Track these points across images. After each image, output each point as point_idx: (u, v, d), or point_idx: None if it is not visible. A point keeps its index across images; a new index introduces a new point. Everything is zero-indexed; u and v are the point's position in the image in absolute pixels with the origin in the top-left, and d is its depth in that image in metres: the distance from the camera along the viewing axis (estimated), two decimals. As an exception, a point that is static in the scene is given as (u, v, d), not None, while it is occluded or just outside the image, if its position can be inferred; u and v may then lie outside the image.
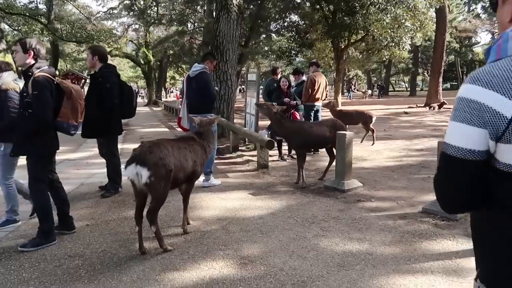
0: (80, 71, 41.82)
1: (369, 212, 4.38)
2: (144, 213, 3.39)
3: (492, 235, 0.93)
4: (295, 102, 7.37)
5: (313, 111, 8.06)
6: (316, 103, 8.00)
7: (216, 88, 5.84)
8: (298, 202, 4.76)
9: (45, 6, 21.33)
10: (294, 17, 24.62)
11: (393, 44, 21.31)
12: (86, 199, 5.09)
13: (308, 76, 8.05)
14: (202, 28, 25.58)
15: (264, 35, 25.29)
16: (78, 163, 7.62)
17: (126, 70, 61.63)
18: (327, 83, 8.28)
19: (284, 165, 7.12)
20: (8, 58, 33.54)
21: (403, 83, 74.95)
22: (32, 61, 3.51)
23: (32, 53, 3.51)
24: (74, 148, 9.56)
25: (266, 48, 27.00)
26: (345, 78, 41.54)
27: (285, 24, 23.60)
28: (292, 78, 9.35)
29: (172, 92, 60.74)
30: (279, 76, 8.33)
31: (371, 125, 9.20)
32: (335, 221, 4.08)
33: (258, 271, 3.00)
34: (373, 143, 9.09)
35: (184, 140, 3.81)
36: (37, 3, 22.87)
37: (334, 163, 5.75)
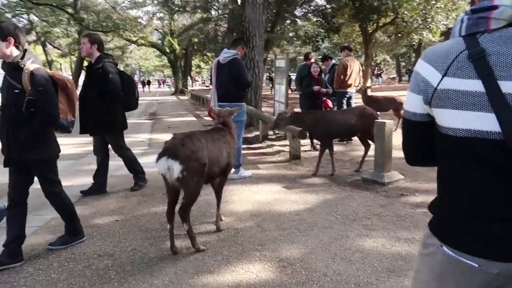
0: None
1: (414, 207, 4.04)
2: (176, 209, 3.20)
3: (439, 177, 1.16)
4: (325, 90, 6.99)
5: (346, 98, 7.68)
6: (349, 90, 7.61)
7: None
8: (336, 196, 4.47)
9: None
10: (321, 1, 23.91)
11: (424, 26, 20.36)
12: (115, 192, 4.97)
13: (340, 61, 7.65)
14: (226, 15, 25.22)
15: (289, 20, 24.67)
16: (107, 154, 7.54)
17: (152, 59, 62.17)
18: (360, 68, 7.85)
19: (317, 155, 6.77)
20: (39, 50, 34.35)
21: (433, 67, 72.40)
22: (15, 51, 2.96)
23: (12, 40, 2.92)
24: (103, 138, 9.54)
25: (291, 35, 26.39)
26: (372, 63, 40.43)
27: (311, 8, 22.92)
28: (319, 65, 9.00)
29: (197, 80, 60.99)
30: (311, 61, 7.95)
31: (402, 112, 8.71)
32: (379, 218, 3.77)
33: (299, 276, 2.75)
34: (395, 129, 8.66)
35: (217, 131, 3.61)
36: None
37: (369, 153, 5.46)
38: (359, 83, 7.94)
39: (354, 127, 5.44)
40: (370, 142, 5.53)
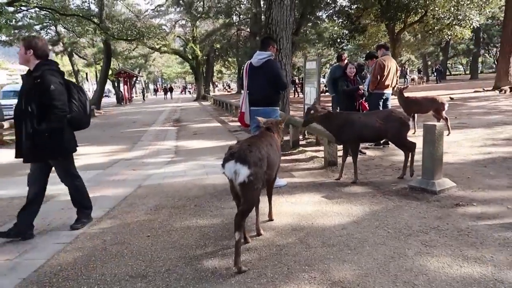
0: (131, 69, 43.11)
1: (475, 220, 3.60)
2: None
3: None
4: (361, 91, 6.60)
5: (382, 100, 7.24)
6: (386, 91, 7.17)
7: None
8: (383, 207, 4.07)
9: (96, 7, 21.77)
10: (345, 2, 23.43)
11: (456, 22, 19.57)
12: (145, 204, 4.71)
13: (375, 60, 7.22)
14: (248, 19, 25.08)
15: (311, 23, 24.28)
16: (134, 163, 7.36)
17: (174, 66, 62.93)
18: (398, 67, 7.40)
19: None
20: (65, 60, 35.14)
21: (460, 66, 70.34)
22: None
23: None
24: (129, 146, 9.40)
25: (313, 37, 25.98)
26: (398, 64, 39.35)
27: (336, 9, 22.46)
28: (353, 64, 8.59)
29: (217, 86, 61.22)
30: (345, 62, 7.58)
31: (443, 113, 8.19)
32: (437, 233, 3.35)
33: (359, 304, 2.39)
34: (449, 133, 8.09)
35: (267, 136, 3.61)
36: (89, 3, 23.46)
37: (409, 158, 5.07)
38: (396, 84, 7.48)
39: (379, 131, 5.06)
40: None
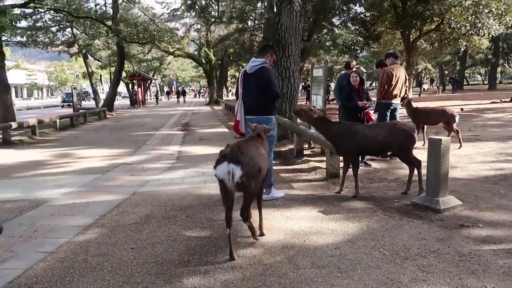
0: (146, 72, 43.45)
1: (480, 243, 3.35)
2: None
3: None
4: (365, 102, 6.34)
5: (390, 111, 6.99)
6: (394, 101, 6.92)
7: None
8: (382, 226, 3.84)
9: (111, 10, 21.97)
10: (360, 8, 23.14)
11: (474, 31, 19.10)
12: (136, 212, 4.56)
13: (384, 69, 6.98)
14: (262, 25, 24.97)
15: (326, 29, 24.01)
16: (134, 168, 7.25)
17: (189, 70, 63.26)
18: (407, 77, 7.15)
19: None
20: (79, 62, 35.55)
21: (478, 75, 69.01)
22: None
23: None
24: (133, 150, 9.31)
25: (328, 44, 25.71)
26: (413, 72, 38.78)
27: (350, 16, 22.20)
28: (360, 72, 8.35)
29: (231, 90, 61.38)
30: (354, 69, 7.36)
31: (454, 125, 7.89)
32: (437, 257, 3.12)
33: (342, 338, 2.18)
34: (460, 146, 7.78)
35: (256, 139, 3.81)
36: (105, 7, 23.71)
37: (415, 173, 4.83)
38: (405, 94, 7.23)
39: (383, 144, 4.82)
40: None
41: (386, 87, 6.77)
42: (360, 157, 6.27)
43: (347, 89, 6.37)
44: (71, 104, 32.18)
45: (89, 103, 36.83)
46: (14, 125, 11.77)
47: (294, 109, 5.25)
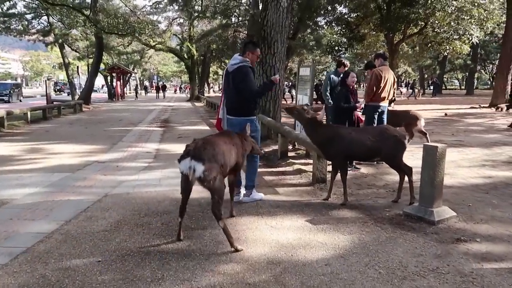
0: (126, 65, 42.41)
1: (480, 261, 3.10)
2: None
3: None
4: (360, 104, 6.12)
5: (377, 113, 6.75)
6: (382, 103, 6.67)
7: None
8: (375, 239, 3.56)
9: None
10: (345, 9, 23.06)
11: (456, 36, 19.26)
12: (106, 218, 4.15)
13: (372, 70, 6.74)
14: (247, 21, 24.58)
15: (310, 29, 23.81)
16: (108, 166, 6.78)
17: (170, 65, 62.30)
18: (395, 79, 6.93)
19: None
20: (56, 52, 34.30)
21: (456, 80, 70.54)
22: None
23: None
24: (108, 147, 8.81)
25: (312, 43, 25.52)
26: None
27: (335, 16, 22.07)
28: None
29: (212, 87, 60.74)
30: (345, 69, 7.10)
31: (419, 128, 7.91)
32: (437, 277, 2.85)
33: None
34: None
35: (226, 134, 3.98)
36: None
37: (406, 179, 4.58)
38: (393, 96, 7.01)
39: (371, 149, 4.57)
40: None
41: (374, 89, 6.52)
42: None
43: (343, 90, 6.07)
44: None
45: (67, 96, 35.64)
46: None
47: (287, 107, 5.00)
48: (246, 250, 3.30)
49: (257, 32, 9.96)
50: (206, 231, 3.71)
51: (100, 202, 4.69)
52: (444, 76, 52.46)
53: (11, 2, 22.58)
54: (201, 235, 3.61)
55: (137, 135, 10.96)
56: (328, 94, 7.39)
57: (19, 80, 66.66)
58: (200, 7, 28.10)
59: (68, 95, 34.06)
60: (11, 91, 29.97)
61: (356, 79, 6.02)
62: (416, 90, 30.97)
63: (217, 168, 3.29)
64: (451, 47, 20.72)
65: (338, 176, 4.73)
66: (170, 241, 3.51)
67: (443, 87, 49.41)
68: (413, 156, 7.14)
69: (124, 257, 3.19)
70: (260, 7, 13.38)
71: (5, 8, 22.76)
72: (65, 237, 3.63)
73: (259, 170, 6.48)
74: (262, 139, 9.05)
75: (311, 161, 6.18)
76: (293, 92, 23.35)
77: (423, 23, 18.97)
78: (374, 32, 22.93)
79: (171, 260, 3.13)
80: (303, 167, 6.44)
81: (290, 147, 8.04)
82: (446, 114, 16.08)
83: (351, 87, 6.04)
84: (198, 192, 4.19)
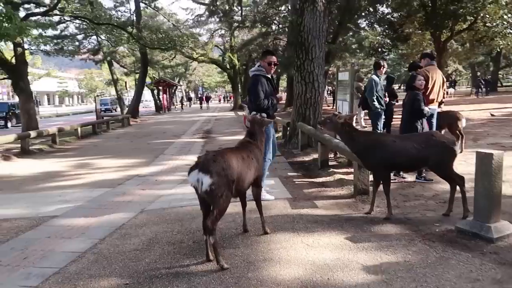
0: (171, 78, 43.72)
1: (550, 288, 2.66)
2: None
3: None
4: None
5: (426, 117, 6.27)
6: (430, 106, 6.20)
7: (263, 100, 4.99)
8: (422, 259, 3.19)
9: (134, 16, 22.03)
10: (387, 9, 22.24)
11: (511, 30, 17.93)
12: (139, 235, 4.09)
13: (418, 71, 6.29)
14: (286, 28, 24.45)
15: (352, 31, 23.18)
16: (147, 180, 6.82)
17: (214, 76, 63.43)
18: (444, 79, 6.42)
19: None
20: (103, 69, 36.04)
21: (512, 77, 65.94)
22: None
23: None
24: (149, 160, 8.93)
25: (354, 46, 24.84)
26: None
27: (377, 17, 21.32)
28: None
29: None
30: (383, 71, 6.74)
31: (460, 128, 7.36)
32: (497, 308, 2.46)
33: None
34: (461, 151, 7.28)
35: (245, 147, 3.80)
36: (130, 14, 23.81)
37: (461, 194, 4.14)
38: (443, 98, 6.51)
39: (417, 158, 4.18)
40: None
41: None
42: None
43: (415, 94, 5.54)
44: (106, 111, 32.33)
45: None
46: (33, 134, 11.68)
47: (319, 120, 5.00)
48: (278, 272, 3.08)
49: (295, 38, 9.77)
50: (238, 251, 3.52)
51: (135, 219, 4.66)
52: (499, 72, 49.13)
53: (65, 25, 24.06)
54: (232, 255, 3.43)
55: (178, 148, 11.06)
56: (374, 99, 7.04)
57: (74, 98, 70.74)
58: (240, 17, 28.39)
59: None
60: (9, 113, 25.02)
61: (424, 82, 5.53)
62: (451, 90, 28.99)
63: (226, 184, 3.12)
64: (505, 42, 19.30)
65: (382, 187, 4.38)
66: (200, 261, 3.36)
67: (499, 85, 46.27)
68: (465, 162, 6.58)
69: (152, 280, 3.08)
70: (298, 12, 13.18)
71: (58, 31, 24.29)
72: (97, 257, 3.60)
73: (299, 181, 6.28)
74: (302, 147, 8.85)
75: (353, 170, 5.85)
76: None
77: (472, 18, 17.84)
78: (419, 31, 21.90)
79: (199, 284, 2.97)
80: (344, 177, 6.11)
81: (331, 155, 7.72)
82: (492, 115, 14.67)
83: (421, 90, 5.56)
84: (232, 206, 4.04)
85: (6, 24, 8.14)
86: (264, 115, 4.22)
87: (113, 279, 3.14)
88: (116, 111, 35.15)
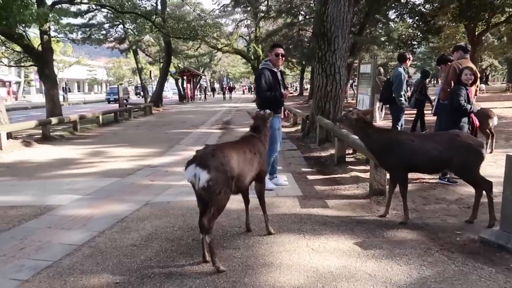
0: (196, 68, 43.82)
1: None
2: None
3: None
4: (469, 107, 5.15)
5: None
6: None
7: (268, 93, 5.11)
8: (439, 273, 2.88)
9: (159, 5, 21.98)
10: (419, 0, 21.32)
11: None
12: (139, 230, 3.93)
13: (451, 64, 5.85)
14: (312, 19, 23.89)
15: (380, 23, 22.34)
16: (157, 171, 6.69)
17: (239, 66, 63.27)
18: (478, 74, 5.95)
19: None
20: (131, 58, 36.36)
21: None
22: None
23: None
24: (163, 150, 8.82)
25: (382, 38, 23.97)
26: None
27: (408, 8, 20.45)
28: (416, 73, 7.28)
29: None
30: (408, 63, 6.41)
31: (491, 127, 7.00)
32: (521, 337, 2.15)
33: None
34: (491, 151, 6.97)
35: (247, 141, 3.59)
36: (156, 3, 23.80)
37: (487, 200, 3.77)
38: (476, 94, 6.04)
39: (439, 160, 3.80)
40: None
41: (452, 84, 5.63)
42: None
43: (457, 88, 5.05)
44: (116, 100, 32.48)
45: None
46: (54, 120, 11.82)
47: (337, 118, 4.87)
48: (277, 279, 2.84)
49: (317, 27, 9.39)
50: (238, 252, 3.31)
51: (139, 212, 4.52)
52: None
53: (93, 13, 24.32)
54: (231, 257, 3.21)
55: (195, 138, 10.94)
56: (402, 94, 6.74)
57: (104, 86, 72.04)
58: (265, 7, 27.96)
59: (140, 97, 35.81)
60: None
61: (472, 77, 5.06)
62: (483, 86, 27.50)
63: (225, 180, 2.93)
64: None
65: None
66: (196, 261, 3.16)
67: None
68: (495, 163, 6.13)
69: (143, 280, 2.90)
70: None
71: (86, 19, 24.59)
72: (92, 251, 3.46)
73: (312, 177, 6.00)
74: (320, 142, 8.53)
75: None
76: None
77: (511, 9, 16.82)
78: (452, 23, 20.92)
79: (191, 287, 2.77)
80: (361, 175, 5.79)
81: (350, 151, 7.37)
82: None
83: (468, 85, 5.10)
84: (239, 202, 3.84)
85: (22, 10, 8.14)
86: (268, 111, 4.00)
87: (104, 276, 2.98)
88: (127, 101, 34.34)
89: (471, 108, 5.05)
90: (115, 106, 22.84)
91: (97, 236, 3.80)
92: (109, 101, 36.19)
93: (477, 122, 5.51)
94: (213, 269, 2.98)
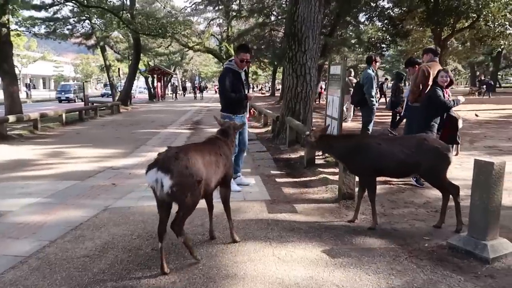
0: (167, 67, 43.03)
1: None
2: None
3: None
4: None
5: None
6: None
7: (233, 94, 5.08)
8: (408, 282, 2.78)
9: (128, 1, 21.36)
10: (387, 3, 21.72)
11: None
12: (94, 239, 3.65)
13: (419, 66, 5.87)
14: (284, 19, 23.91)
15: (351, 25, 22.63)
16: (120, 173, 6.37)
17: (211, 65, 62.72)
18: (453, 78, 6.01)
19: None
20: (99, 55, 35.23)
21: (511, 78, 65.73)
22: None
23: None
24: (128, 151, 8.45)
25: (352, 41, 24.28)
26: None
27: (377, 11, 20.79)
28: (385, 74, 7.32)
29: (253, 88, 60.37)
30: (377, 65, 6.44)
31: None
32: None
33: None
34: (457, 153, 7.01)
35: (213, 143, 3.43)
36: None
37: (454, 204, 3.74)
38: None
39: (407, 164, 3.73)
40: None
41: (421, 87, 5.63)
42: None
43: (436, 89, 5.00)
44: (68, 100, 30.95)
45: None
46: (11, 118, 11.15)
47: (301, 143, 4.99)
48: (240, 293, 2.66)
49: (288, 28, 9.29)
50: (199, 262, 3.09)
51: (96, 218, 4.22)
52: (498, 73, 48.74)
53: (58, 7, 23.32)
54: (191, 268, 3.00)
55: (163, 138, 10.61)
56: (373, 94, 6.91)
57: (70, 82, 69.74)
58: (237, 6, 27.74)
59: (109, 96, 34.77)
60: None
61: (448, 79, 5.04)
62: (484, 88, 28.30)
63: (192, 184, 2.76)
64: (507, 42, 18.89)
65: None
66: (154, 274, 2.93)
67: (498, 86, 45.91)
68: (461, 166, 6.20)
69: (93, 296, 2.65)
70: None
71: (51, 13, 23.56)
72: (40, 263, 3.16)
73: (281, 180, 5.86)
74: (290, 143, 8.41)
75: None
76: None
77: (475, 15, 17.36)
78: (420, 27, 21.43)
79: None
80: (330, 177, 5.69)
81: (320, 153, 7.29)
82: (476, 115, 14.27)
83: (444, 86, 5.06)
84: (204, 207, 3.62)
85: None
86: (237, 123, 3.96)
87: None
88: (77, 100, 31.90)
89: (455, 102, 5.03)
90: (67, 106, 21.98)
91: (47, 246, 3.49)
92: (60, 100, 33.87)
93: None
94: (172, 282, 2.76)
